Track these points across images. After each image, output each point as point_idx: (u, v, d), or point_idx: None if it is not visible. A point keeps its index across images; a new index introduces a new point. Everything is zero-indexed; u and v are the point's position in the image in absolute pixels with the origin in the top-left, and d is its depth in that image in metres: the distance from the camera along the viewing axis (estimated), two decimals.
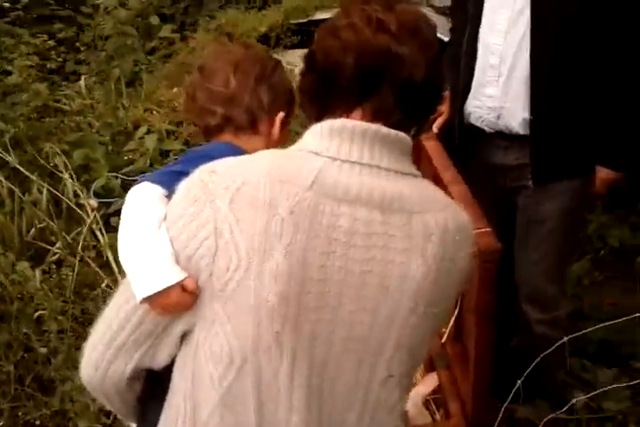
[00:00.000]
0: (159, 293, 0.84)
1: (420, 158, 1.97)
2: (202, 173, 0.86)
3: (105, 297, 2.48)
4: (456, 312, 1.78)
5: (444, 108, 1.94)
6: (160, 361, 0.92)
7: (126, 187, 2.90)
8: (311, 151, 0.86)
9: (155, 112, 3.24)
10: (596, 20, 1.65)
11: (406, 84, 0.85)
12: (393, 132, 0.86)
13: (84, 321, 2.44)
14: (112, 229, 2.75)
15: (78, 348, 2.34)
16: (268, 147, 1.11)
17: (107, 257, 2.64)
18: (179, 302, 0.85)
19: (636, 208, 3.20)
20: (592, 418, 2.13)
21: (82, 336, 2.40)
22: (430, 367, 2.03)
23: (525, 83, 1.73)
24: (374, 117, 0.87)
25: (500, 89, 1.78)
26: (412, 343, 0.89)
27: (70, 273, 2.52)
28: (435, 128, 1.93)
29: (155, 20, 4.73)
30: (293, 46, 3.55)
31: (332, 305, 0.84)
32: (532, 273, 1.88)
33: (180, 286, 0.84)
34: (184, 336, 0.90)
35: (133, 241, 0.90)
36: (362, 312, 0.85)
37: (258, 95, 1.14)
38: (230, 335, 0.84)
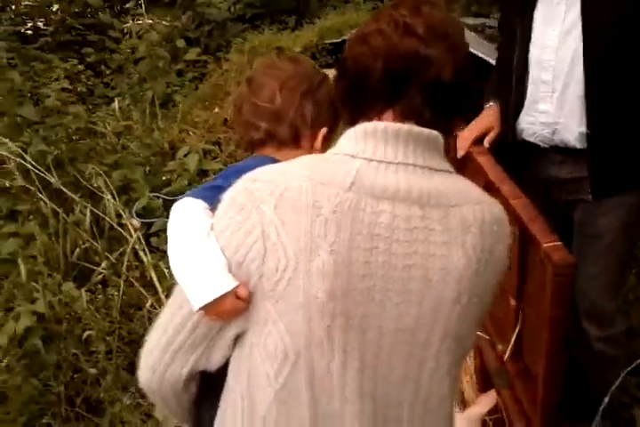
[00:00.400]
0: (214, 301, 0.88)
1: (474, 173, 1.97)
2: (245, 181, 0.90)
3: (150, 317, 2.50)
4: (516, 331, 1.77)
5: (495, 124, 1.93)
6: (214, 362, 0.96)
7: (167, 207, 2.92)
8: (347, 154, 0.89)
9: (191, 133, 3.28)
10: None
11: (435, 85, 0.89)
12: (425, 130, 0.89)
13: (132, 341, 2.44)
14: (154, 249, 2.78)
15: (126, 368, 2.37)
16: None
17: (150, 277, 2.65)
18: (232, 308, 0.89)
19: None
20: None
21: (129, 356, 2.41)
22: (484, 387, 2.01)
23: (580, 97, 1.73)
24: (405, 118, 0.90)
25: (554, 105, 1.78)
26: (459, 333, 0.92)
27: (116, 293, 2.53)
28: (486, 143, 1.92)
29: (181, 43, 4.82)
30: (328, 66, 3.59)
31: (378, 299, 0.87)
32: (590, 288, 1.85)
33: (234, 293, 0.88)
34: (237, 338, 0.93)
35: (185, 253, 0.93)
36: (408, 305, 0.88)
37: (302, 111, 1.16)
38: (283, 333, 0.87)
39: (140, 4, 5.00)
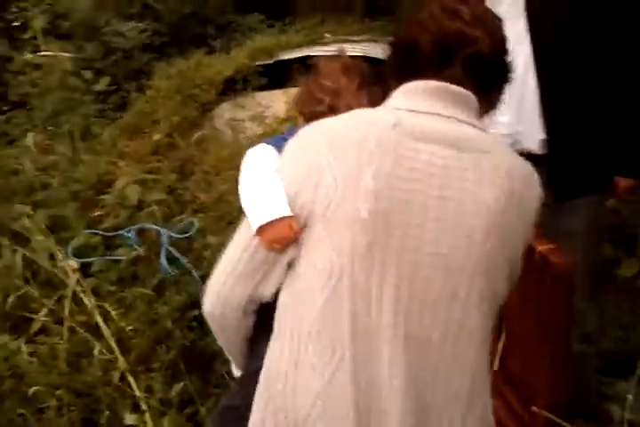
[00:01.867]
0: (270, 224, 1.02)
1: None
2: (305, 129, 1.09)
3: (100, 364, 2.30)
4: (502, 341, 1.76)
5: None
6: (271, 289, 1.08)
7: (109, 244, 2.74)
8: (393, 107, 1.06)
9: (120, 164, 3.12)
10: (597, 38, 1.71)
11: (475, 59, 1.05)
12: (459, 88, 1.04)
13: (83, 394, 2.24)
14: (97, 291, 2.58)
15: (80, 424, 2.16)
16: None
17: (95, 321, 2.46)
18: (285, 236, 1.03)
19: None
20: None
21: (83, 411, 2.20)
22: None
23: (536, 106, 1.78)
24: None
25: (512, 116, 1.82)
26: (489, 270, 1.00)
27: (60, 342, 2.32)
28: None
29: (87, 74, 4.63)
30: (262, 88, 3.54)
31: (415, 223, 0.98)
32: None
33: (288, 222, 1.02)
34: (289, 268, 1.06)
35: (252, 184, 1.13)
36: (443, 231, 0.98)
37: (358, 98, 1.34)
38: (330, 250, 0.99)
39: (35, 37, 4.78)
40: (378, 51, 3.39)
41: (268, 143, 1.26)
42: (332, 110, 1.30)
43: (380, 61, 3.39)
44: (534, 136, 1.80)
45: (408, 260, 0.97)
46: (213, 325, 1.17)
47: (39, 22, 4.97)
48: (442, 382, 0.99)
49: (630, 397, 1.42)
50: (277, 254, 1.05)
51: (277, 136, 1.36)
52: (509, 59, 1.12)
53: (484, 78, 1.07)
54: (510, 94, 1.78)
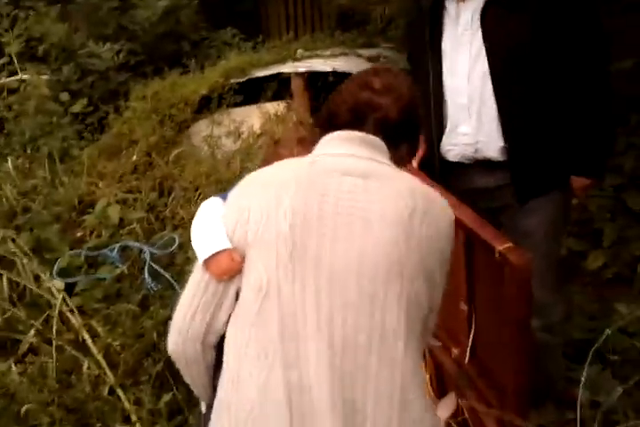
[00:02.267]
0: (214, 257, 1.18)
1: None
2: (244, 178, 1.29)
3: (90, 379, 2.37)
4: (472, 334, 1.85)
5: (421, 145, 2.05)
6: (224, 318, 1.20)
7: (93, 264, 2.81)
8: (315, 154, 1.27)
9: (100, 185, 3.19)
10: (548, 49, 1.82)
11: (383, 122, 1.27)
12: (368, 135, 1.25)
13: (75, 409, 2.30)
14: (83, 310, 2.65)
15: None
16: None
17: (82, 339, 2.52)
18: (229, 267, 1.19)
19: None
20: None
21: (75, 425, 2.26)
22: (441, 393, 2.07)
23: (495, 115, 1.88)
24: None
25: (473, 126, 1.92)
26: (403, 274, 1.13)
27: (49, 360, 2.38)
28: (414, 163, 2.03)
29: (65, 96, 4.69)
30: (237, 104, 3.64)
31: (329, 235, 1.14)
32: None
33: (229, 254, 1.18)
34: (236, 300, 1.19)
35: (199, 228, 1.30)
36: (352, 241, 1.14)
37: None
38: (261, 267, 1.14)
39: (11, 62, 4.85)
40: (347, 65, 3.50)
41: (217, 196, 1.41)
42: None
43: (347, 76, 3.51)
44: (495, 144, 1.91)
45: (324, 268, 1.12)
46: (178, 362, 1.27)
47: (14, 47, 5.06)
48: (372, 383, 1.08)
49: (583, 378, 1.50)
50: (226, 285, 1.20)
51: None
52: (416, 120, 1.34)
53: (392, 136, 1.28)
54: (470, 107, 1.92)
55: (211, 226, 1.26)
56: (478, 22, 1.84)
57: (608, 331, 1.73)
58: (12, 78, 4.90)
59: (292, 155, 1.42)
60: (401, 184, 1.20)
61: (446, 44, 1.93)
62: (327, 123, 1.32)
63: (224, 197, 1.34)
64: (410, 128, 1.33)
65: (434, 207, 1.21)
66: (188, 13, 6.03)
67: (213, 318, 1.20)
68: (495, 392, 1.75)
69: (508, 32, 1.81)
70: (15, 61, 5.06)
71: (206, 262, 1.20)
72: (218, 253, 1.18)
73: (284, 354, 1.09)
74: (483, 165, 1.96)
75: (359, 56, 3.86)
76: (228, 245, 1.19)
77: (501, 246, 1.48)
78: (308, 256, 1.13)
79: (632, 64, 3.09)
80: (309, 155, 1.28)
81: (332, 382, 1.07)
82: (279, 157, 1.41)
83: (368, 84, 1.30)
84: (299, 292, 1.11)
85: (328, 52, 3.96)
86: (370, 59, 3.79)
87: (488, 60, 1.84)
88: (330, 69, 3.51)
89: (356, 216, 1.15)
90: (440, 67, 1.95)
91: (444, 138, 1.99)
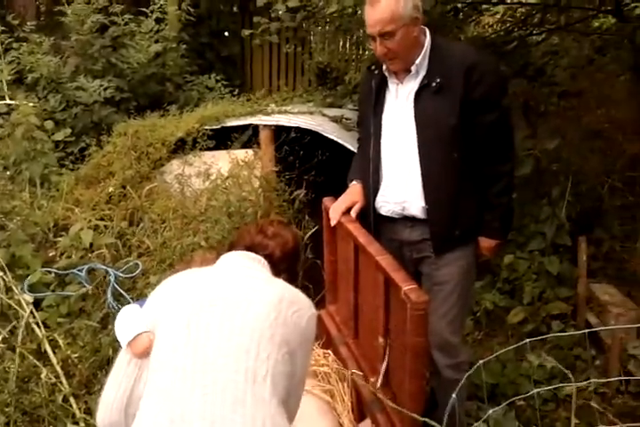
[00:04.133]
0: (134, 339, 1.53)
1: (345, 237, 2.41)
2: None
3: (47, 387, 2.59)
4: (385, 363, 2.16)
5: (359, 198, 2.39)
6: (142, 388, 1.48)
7: (61, 282, 3.06)
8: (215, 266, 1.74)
9: (76, 211, 3.46)
10: (465, 128, 2.16)
11: (269, 258, 1.75)
12: (255, 255, 1.74)
13: (30, 413, 2.52)
14: (48, 323, 2.89)
15: None
16: None
17: (44, 349, 2.75)
18: (147, 346, 1.52)
19: (501, 275, 3.85)
20: None
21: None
22: (361, 417, 2.36)
23: (420, 180, 2.22)
24: None
25: (402, 187, 2.27)
26: (274, 338, 1.46)
27: (12, 366, 2.60)
28: (353, 213, 2.38)
29: (49, 124, 4.97)
30: (209, 149, 3.96)
31: (219, 314, 1.49)
32: (439, 326, 2.30)
33: (147, 336, 1.52)
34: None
35: (121, 321, 1.63)
36: (236, 318, 1.47)
37: None
38: (162, 341, 1.48)
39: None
40: (312, 123, 3.87)
41: (136, 303, 1.76)
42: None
43: (309, 132, 3.89)
44: (418, 204, 2.25)
45: (213, 341, 1.44)
46: None
47: (5, 73, 5.35)
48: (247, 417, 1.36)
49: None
50: (144, 361, 1.51)
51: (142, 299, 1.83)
52: (294, 264, 1.87)
53: (275, 268, 1.75)
54: (401, 171, 2.27)
55: (129, 317, 1.61)
56: (412, 101, 2.19)
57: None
58: (1, 102, 5.19)
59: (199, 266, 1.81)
60: (274, 283, 1.63)
61: (386, 116, 2.28)
62: (229, 249, 1.80)
63: (141, 304, 1.67)
64: (289, 265, 1.82)
65: (300, 301, 1.59)
66: (174, 57, 6.38)
67: (133, 389, 1.50)
68: (399, 416, 2.06)
69: (434, 111, 2.15)
70: (4, 87, 5.36)
71: (129, 344, 1.53)
72: (138, 335, 1.52)
73: (170, 412, 1.37)
74: (410, 219, 2.30)
75: (324, 115, 4.23)
76: (145, 329, 1.53)
77: (406, 287, 1.81)
78: (198, 329, 1.46)
79: (557, 144, 3.54)
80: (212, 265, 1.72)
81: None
82: (189, 267, 1.81)
83: (263, 229, 1.84)
84: (187, 358, 1.42)
85: (296, 110, 4.32)
86: (334, 119, 4.17)
87: (417, 133, 2.18)
88: (294, 126, 3.87)
89: (241, 300, 1.51)
90: (380, 134, 2.29)
91: (379, 195, 2.32)
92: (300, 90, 7.80)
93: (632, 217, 4.00)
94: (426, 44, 2.19)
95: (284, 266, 1.79)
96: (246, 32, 4.60)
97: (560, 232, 3.65)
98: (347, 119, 4.11)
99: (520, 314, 3.56)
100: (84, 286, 2.97)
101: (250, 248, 1.75)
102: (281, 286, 1.62)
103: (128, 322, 1.58)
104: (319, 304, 2.77)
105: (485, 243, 2.32)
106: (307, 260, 3.41)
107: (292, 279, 1.78)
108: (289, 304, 1.53)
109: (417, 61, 2.18)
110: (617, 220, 4.00)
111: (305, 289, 2.24)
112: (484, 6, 4.79)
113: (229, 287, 1.56)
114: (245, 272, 1.65)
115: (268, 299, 1.52)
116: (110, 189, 3.49)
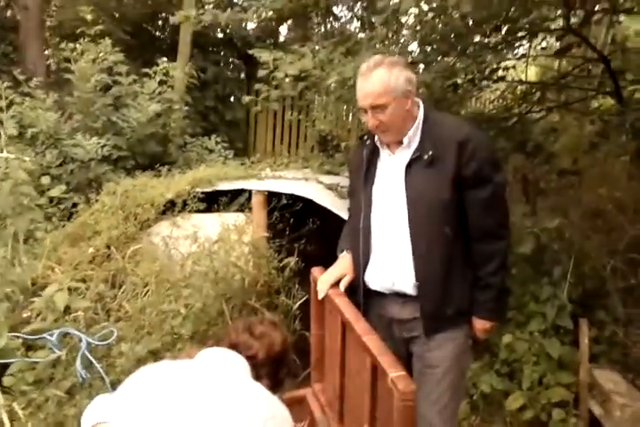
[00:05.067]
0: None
1: (332, 312, 2.26)
2: None
3: None
4: None
5: (349, 270, 2.27)
6: None
7: (29, 347, 2.87)
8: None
9: (56, 269, 3.31)
10: (457, 204, 2.07)
11: (251, 359, 1.65)
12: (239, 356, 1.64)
13: None
14: (11, 391, 2.68)
15: None
16: None
17: (1, 419, 2.55)
18: None
19: (499, 356, 3.65)
20: None
21: None
22: None
23: (410, 255, 2.11)
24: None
25: (392, 262, 2.15)
26: None
27: None
28: (342, 287, 2.24)
29: (45, 179, 4.90)
30: (199, 211, 3.86)
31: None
32: (430, 413, 2.13)
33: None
34: None
35: (89, 409, 1.52)
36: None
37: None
38: None
39: None
40: (305, 190, 3.80)
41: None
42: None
43: (302, 199, 3.81)
44: (408, 280, 2.13)
45: None
46: None
47: (6, 128, 5.34)
48: None
49: None
50: None
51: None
52: (283, 363, 1.74)
53: (257, 372, 1.65)
54: (391, 246, 2.16)
55: (97, 406, 1.51)
56: (403, 174, 2.11)
57: None
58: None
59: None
60: (255, 394, 1.48)
61: (377, 188, 2.20)
62: (213, 344, 1.72)
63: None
64: (272, 370, 1.70)
65: (277, 417, 1.46)
66: (176, 118, 6.42)
67: None
68: None
69: (425, 185, 2.07)
70: (2, 141, 5.34)
71: None
72: (97, 424, 1.44)
73: None
74: (399, 296, 2.17)
75: (319, 182, 4.17)
76: (107, 419, 1.43)
77: (393, 374, 1.65)
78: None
79: (558, 222, 3.45)
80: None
81: None
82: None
83: (251, 327, 1.76)
84: None
85: (291, 176, 4.27)
86: (329, 186, 4.11)
87: (407, 207, 2.10)
88: (288, 192, 3.79)
89: (214, 407, 1.39)
90: (370, 206, 2.20)
91: (368, 268, 2.21)
92: (301, 156, 7.85)
93: (635, 300, 3.84)
94: (419, 117, 2.15)
95: (266, 370, 1.68)
96: (247, 98, 4.63)
97: (561, 313, 3.49)
98: (342, 187, 4.04)
99: (519, 399, 3.35)
100: (55, 352, 2.78)
101: (234, 346, 1.66)
102: (260, 397, 1.48)
103: (93, 410, 1.49)
104: (305, 382, 2.59)
105: (479, 324, 2.18)
106: (295, 332, 3.25)
107: (273, 386, 1.66)
108: (264, 422, 1.41)
109: (409, 133, 2.13)
110: (620, 302, 3.84)
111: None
112: (484, 83, 4.83)
113: (205, 389, 1.44)
114: (224, 374, 1.54)
115: (243, 414, 1.39)
116: (90, 250, 3.36)
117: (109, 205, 3.80)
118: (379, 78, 2.04)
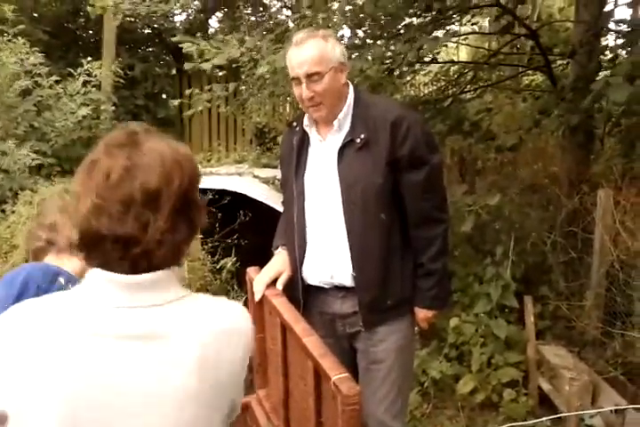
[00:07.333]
0: None
1: (270, 313, 2.16)
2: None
3: None
4: None
5: (286, 267, 2.13)
6: None
7: None
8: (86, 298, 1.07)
9: None
10: (392, 188, 2.00)
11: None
12: (140, 276, 1.02)
13: None
14: None
15: None
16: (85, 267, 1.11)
17: None
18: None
19: (447, 340, 3.64)
20: None
21: None
22: None
23: (347, 245, 2.02)
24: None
25: (330, 254, 2.06)
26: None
27: None
28: (279, 285, 2.12)
29: None
30: None
31: (112, 413, 0.99)
32: (378, 410, 2.06)
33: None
34: None
35: None
36: (134, 416, 0.99)
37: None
38: None
39: None
40: (237, 184, 3.67)
41: None
42: (51, 244, 1.58)
43: (235, 194, 3.66)
44: (346, 272, 2.03)
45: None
46: None
47: None
48: None
49: None
50: None
51: None
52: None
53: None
54: (327, 236, 2.06)
55: None
56: (336, 160, 2.02)
57: None
58: None
59: (54, 222, 1.55)
60: (189, 336, 1.03)
61: (309, 176, 2.10)
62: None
63: None
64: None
65: (228, 347, 1.09)
66: (103, 120, 6.18)
67: None
68: None
69: (359, 170, 1.99)
70: None
71: None
72: None
73: None
74: (339, 290, 2.08)
75: (255, 177, 4.06)
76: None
77: (336, 376, 1.56)
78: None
79: (498, 199, 3.44)
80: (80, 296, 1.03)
81: None
82: (40, 227, 1.57)
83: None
84: None
85: (223, 171, 4.14)
86: (265, 180, 4.00)
87: (341, 193, 2.01)
88: (219, 188, 3.65)
89: (135, 391, 1.01)
90: (303, 196, 2.10)
91: (305, 263, 2.10)
92: (238, 150, 7.70)
93: (575, 273, 3.89)
94: (349, 99, 2.06)
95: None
96: (175, 102, 4.51)
97: (506, 293, 3.50)
98: (279, 180, 3.94)
99: (470, 383, 3.34)
100: None
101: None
102: (197, 339, 1.03)
103: None
104: (249, 389, 2.48)
105: (422, 314, 2.11)
106: None
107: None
108: (214, 364, 1.05)
109: (340, 116, 2.04)
110: (561, 276, 3.88)
111: None
112: (418, 66, 4.80)
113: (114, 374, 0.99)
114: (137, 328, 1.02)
115: (176, 388, 1.01)
116: (13, 262, 3.15)
117: (26, 215, 3.57)
118: (315, 46, 1.97)
